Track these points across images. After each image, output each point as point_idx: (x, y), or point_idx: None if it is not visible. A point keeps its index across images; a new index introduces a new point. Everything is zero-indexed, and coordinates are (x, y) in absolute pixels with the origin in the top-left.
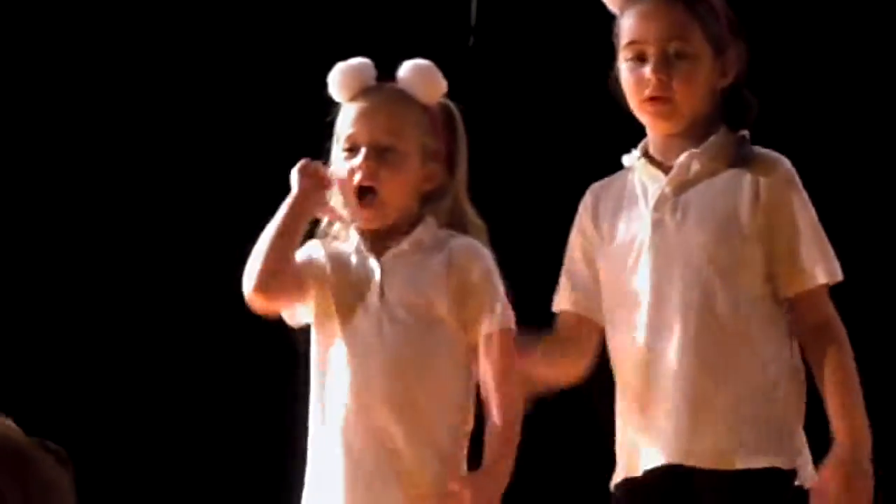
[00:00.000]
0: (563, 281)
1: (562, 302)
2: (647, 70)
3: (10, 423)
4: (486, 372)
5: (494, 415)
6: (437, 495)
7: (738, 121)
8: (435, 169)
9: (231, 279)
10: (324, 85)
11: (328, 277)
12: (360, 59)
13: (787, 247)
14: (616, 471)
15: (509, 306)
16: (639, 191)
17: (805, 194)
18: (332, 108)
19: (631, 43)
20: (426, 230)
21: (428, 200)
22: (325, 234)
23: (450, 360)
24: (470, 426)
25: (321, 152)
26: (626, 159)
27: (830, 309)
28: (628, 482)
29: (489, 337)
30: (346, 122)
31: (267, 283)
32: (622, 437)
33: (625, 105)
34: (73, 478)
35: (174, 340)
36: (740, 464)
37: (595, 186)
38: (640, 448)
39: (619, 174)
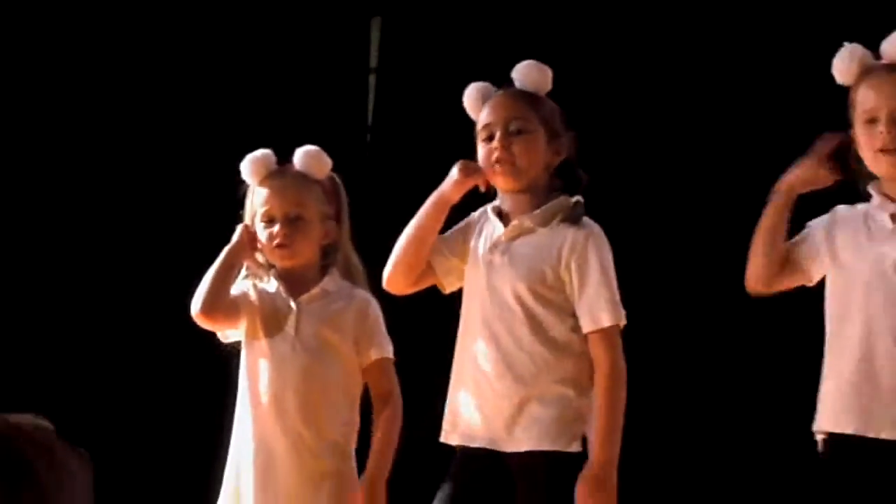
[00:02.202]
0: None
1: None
2: (495, 142)
3: (45, 422)
4: (375, 388)
5: (382, 422)
6: (330, 476)
7: (573, 190)
8: (331, 227)
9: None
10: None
11: (257, 309)
12: (263, 150)
13: (581, 294)
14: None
15: (389, 340)
16: (488, 235)
17: (604, 254)
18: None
19: (484, 126)
20: (331, 281)
21: (326, 251)
22: (251, 276)
23: (344, 376)
24: (357, 425)
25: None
26: (489, 208)
27: (612, 350)
28: (461, 449)
29: (376, 362)
30: (260, 200)
31: (209, 306)
32: (456, 403)
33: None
34: (93, 479)
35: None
36: (540, 447)
37: (477, 214)
38: (472, 423)
39: (483, 213)
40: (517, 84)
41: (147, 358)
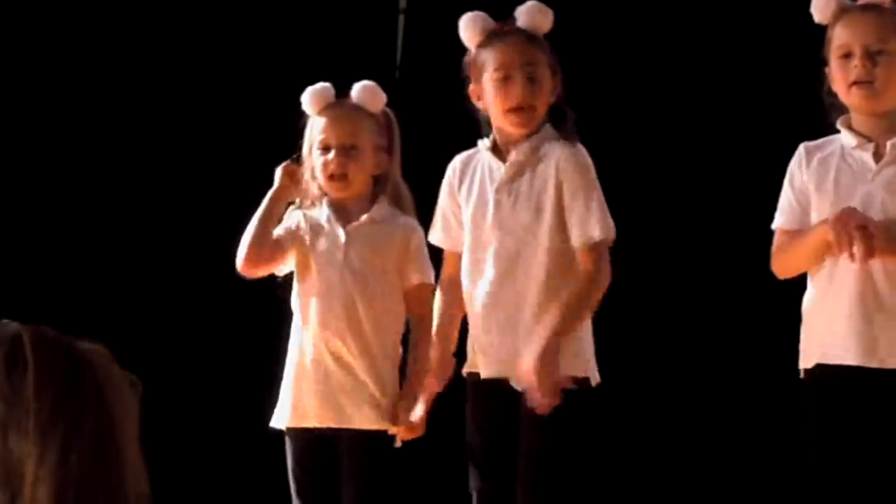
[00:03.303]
0: (437, 222)
1: (435, 238)
2: (517, 87)
3: (101, 347)
4: (413, 311)
5: (417, 341)
6: (377, 388)
7: (561, 127)
8: (383, 158)
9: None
10: (293, 100)
11: (305, 238)
12: (322, 83)
13: (572, 208)
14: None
15: (431, 267)
16: (486, 171)
17: (591, 170)
18: (299, 116)
19: (499, 68)
20: (380, 209)
21: (377, 181)
22: (302, 205)
23: (390, 300)
24: (399, 349)
25: (294, 149)
26: (480, 144)
27: (599, 261)
28: (474, 374)
29: (417, 286)
30: (317, 129)
31: (252, 262)
32: (473, 338)
33: (474, 111)
34: (140, 401)
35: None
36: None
37: (459, 158)
38: (479, 353)
39: (474, 151)
40: (521, 24)
41: (204, 282)
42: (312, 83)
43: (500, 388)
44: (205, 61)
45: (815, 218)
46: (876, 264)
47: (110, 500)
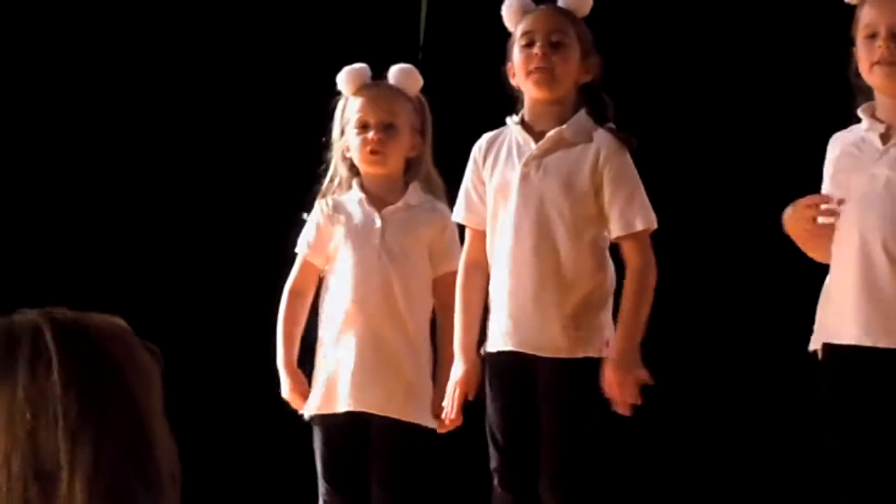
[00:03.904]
0: (461, 199)
1: (459, 216)
2: (536, 49)
3: (121, 321)
4: (442, 299)
5: (445, 332)
6: (411, 373)
7: (600, 115)
8: (418, 140)
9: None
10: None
11: (339, 228)
12: (360, 63)
13: (614, 199)
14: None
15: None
16: (514, 147)
17: (633, 168)
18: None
19: (525, 33)
20: (414, 194)
21: (409, 166)
22: (328, 191)
23: (422, 285)
24: (428, 333)
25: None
26: (509, 120)
27: (645, 252)
28: (494, 354)
29: (448, 274)
30: (354, 108)
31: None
32: (493, 316)
33: (511, 90)
34: (162, 374)
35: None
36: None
37: (486, 137)
38: (498, 330)
39: (503, 129)
40: (559, 3)
41: (230, 267)
42: (335, 66)
43: (518, 362)
44: (222, 44)
45: None
46: (876, 246)
47: (146, 486)
